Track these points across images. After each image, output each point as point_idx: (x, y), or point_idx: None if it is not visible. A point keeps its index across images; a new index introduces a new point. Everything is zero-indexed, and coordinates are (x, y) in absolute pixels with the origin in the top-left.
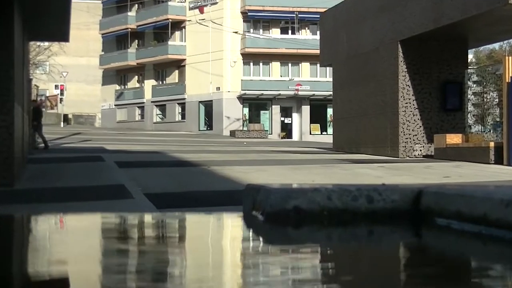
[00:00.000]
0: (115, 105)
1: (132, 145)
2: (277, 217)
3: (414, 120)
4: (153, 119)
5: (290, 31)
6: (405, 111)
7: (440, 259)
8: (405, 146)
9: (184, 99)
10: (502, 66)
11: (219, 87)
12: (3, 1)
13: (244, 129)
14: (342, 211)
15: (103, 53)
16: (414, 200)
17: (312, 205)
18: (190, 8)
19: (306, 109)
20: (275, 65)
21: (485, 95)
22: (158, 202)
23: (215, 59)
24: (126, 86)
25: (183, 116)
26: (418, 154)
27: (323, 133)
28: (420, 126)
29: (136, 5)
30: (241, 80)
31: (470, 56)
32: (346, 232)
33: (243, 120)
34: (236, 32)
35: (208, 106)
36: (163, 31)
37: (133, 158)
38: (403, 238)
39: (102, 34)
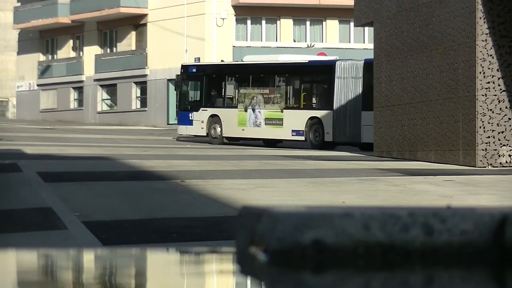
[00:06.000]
0: (38, 85)
1: (65, 147)
2: (288, 257)
3: (501, 108)
4: (98, 106)
5: None
6: (486, 95)
7: None
8: (486, 149)
9: (145, 76)
10: None
11: (199, 58)
12: None
13: None
14: (387, 247)
15: (19, 4)
16: (496, 232)
17: (341, 238)
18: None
19: None
20: (286, 24)
21: None
22: (105, 235)
23: (192, 14)
24: (55, 56)
25: (143, 103)
26: (507, 162)
27: None
28: (510, 119)
29: None
30: (233, 47)
31: None
32: (392, 280)
33: None
34: None
35: None
36: None
37: (67, 168)
38: None
39: None
